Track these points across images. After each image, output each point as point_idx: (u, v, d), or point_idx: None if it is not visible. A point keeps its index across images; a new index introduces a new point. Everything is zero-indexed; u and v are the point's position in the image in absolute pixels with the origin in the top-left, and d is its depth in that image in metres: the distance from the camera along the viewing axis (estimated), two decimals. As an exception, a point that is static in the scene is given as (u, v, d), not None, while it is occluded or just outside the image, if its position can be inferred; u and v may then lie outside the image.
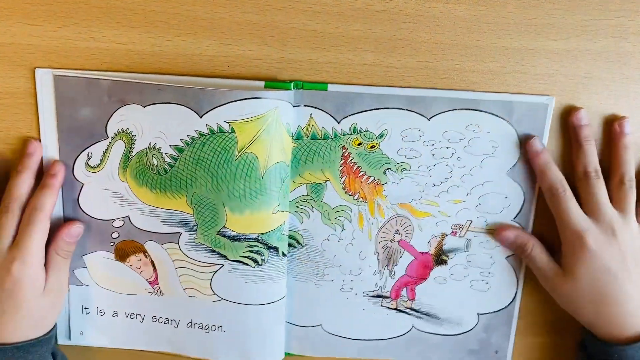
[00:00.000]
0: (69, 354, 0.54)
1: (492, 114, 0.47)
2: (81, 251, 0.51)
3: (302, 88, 0.47)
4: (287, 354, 0.55)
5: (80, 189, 0.50)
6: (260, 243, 0.50)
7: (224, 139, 0.47)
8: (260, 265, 0.50)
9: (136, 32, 0.46)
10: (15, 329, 0.46)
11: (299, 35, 0.46)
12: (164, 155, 0.48)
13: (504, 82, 0.47)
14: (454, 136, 0.48)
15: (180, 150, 0.48)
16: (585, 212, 0.47)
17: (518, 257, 0.51)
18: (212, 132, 0.47)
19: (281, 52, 0.46)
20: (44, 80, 0.47)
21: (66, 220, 0.50)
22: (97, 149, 0.48)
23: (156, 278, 0.52)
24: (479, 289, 0.52)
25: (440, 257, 0.52)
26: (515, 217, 0.50)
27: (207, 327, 0.53)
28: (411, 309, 0.53)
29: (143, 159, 0.48)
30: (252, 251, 0.50)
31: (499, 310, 0.53)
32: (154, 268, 0.52)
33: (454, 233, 0.51)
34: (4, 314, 0.46)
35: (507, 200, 0.50)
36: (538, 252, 0.49)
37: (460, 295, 0.53)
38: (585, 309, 0.48)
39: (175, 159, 0.48)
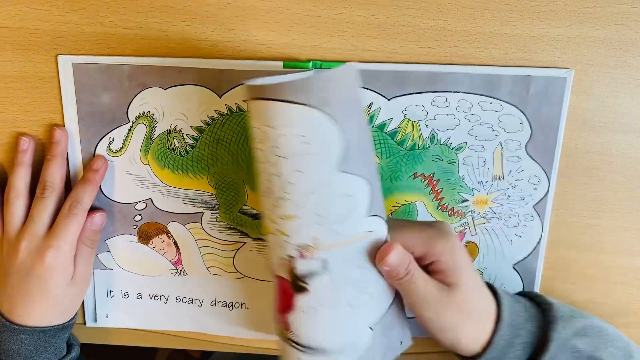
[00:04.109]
0: (87, 333, 0.54)
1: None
2: (104, 235, 0.51)
3: (320, 67, 0.46)
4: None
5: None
6: None
7: (242, 119, 0.47)
8: None
9: (142, 17, 0.45)
10: (42, 315, 0.46)
11: (302, 20, 0.45)
12: (185, 136, 0.47)
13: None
14: None
15: (200, 130, 0.47)
16: None
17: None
18: (231, 112, 0.46)
19: (285, 37, 0.45)
20: (65, 67, 0.46)
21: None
22: (118, 133, 0.48)
23: (179, 258, 0.51)
24: (361, 303, 0.40)
25: (297, 284, 0.40)
26: (371, 214, 0.39)
27: (230, 304, 0.52)
28: (292, 340, 0.41)
29: (164, 141, 0.48)
30: None
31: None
32: (177, 248, 0.51)
33: (301, 256, 0.39)
34: (32, 299, 0.46)
35: (351, 199, 0.38)
36: (420, 275, 0.40)
37: (342, 320, 0.40)
38: (449, 336, 0.42)
39: (196, 140, 0.48)
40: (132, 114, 0.47)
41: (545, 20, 0.45)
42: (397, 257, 0.39)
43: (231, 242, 0.50)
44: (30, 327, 0.46)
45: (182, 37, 0.46)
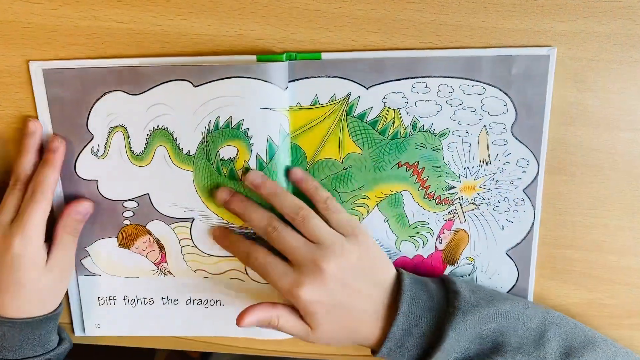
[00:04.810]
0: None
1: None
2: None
3: (295, 59, 0.45)
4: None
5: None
6: None
7: None
8: None
9: (137, 11, 0.44)
10: (19, 305, 0.45)
11: (301, 14, 0.44)
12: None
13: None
14: None
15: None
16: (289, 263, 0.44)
17: None
18: None
19: (284, 31, 0.44)
20: (37, 76, 0.45)
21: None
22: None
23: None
24: None
25: None
26: None
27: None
28: None
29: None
30: None
31: None
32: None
33: None
34: (7, 290, 0.45)
35: None
36: (285, 321, 0.45)
37: None
38: (344, 343, 0.46)
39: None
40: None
41: (549, 15, 0.44)
42: (255, 317, 0.45)
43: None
44: (11, 318, 0.45)
45: (177, 32, 0.45)
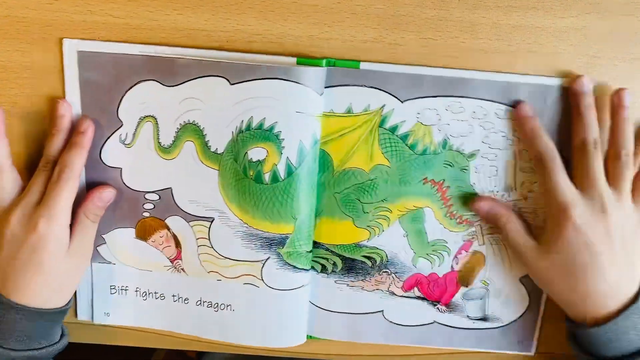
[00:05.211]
0: (82, 333, 0.53)
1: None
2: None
3: (334, 65, 0.44)
4: (310, 337, 0.52)
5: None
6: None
7: None
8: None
9: (134, 6, 0.44)
10: (37, 290, 0.44)
11: (299, 10, 0.43)
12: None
13: (510, 61, 0.44)
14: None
15: None
16: (577, 185, 0.43)
17: None
18: None
19: (281, 27, 0.44)
20: (70, 57, 0.45)
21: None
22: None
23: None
24: None
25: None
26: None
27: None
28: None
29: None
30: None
31: None
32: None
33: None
34: (26, 272, 0.44)
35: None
36: (513, 227, 0.45)
37: None
38: (559, 285, 0.44)
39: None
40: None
41: (550, 11, 0.43)
42: (488, 204, 0.46)
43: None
44: (26, 306, 0.44)
45: (174, 27, 0.44)
